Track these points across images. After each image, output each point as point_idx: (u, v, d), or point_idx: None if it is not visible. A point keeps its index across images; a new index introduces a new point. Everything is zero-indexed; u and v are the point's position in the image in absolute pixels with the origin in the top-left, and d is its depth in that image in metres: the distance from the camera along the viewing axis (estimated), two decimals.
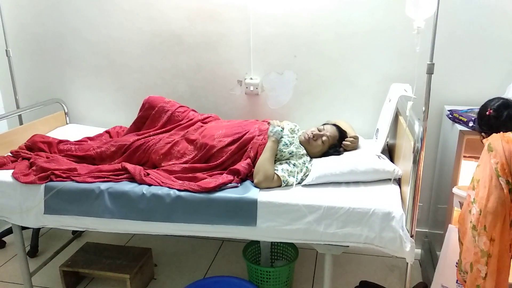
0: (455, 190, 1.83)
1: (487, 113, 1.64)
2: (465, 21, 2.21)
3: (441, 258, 1.86)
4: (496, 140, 1.48)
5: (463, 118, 1.98)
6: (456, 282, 1.84)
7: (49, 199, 1.87)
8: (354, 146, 2.09)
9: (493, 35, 2.20)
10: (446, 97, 2.31)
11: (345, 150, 2.07)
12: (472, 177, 1.56)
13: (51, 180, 1.90)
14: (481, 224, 1.46)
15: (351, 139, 2.09)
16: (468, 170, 1.90)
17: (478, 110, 2.05)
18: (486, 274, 1.46)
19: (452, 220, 2.05)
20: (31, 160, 2.05)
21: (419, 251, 2.49)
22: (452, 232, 1.81)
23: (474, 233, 1.49)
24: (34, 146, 2.21)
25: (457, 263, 1.66)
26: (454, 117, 2.04)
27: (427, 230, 2.53)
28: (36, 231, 2.62)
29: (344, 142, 2.08)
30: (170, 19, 2.52)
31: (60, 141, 2.26)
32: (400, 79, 2.24)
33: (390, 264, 2.45)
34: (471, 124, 1.92)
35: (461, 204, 1.68)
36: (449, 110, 2.12)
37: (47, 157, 2.09)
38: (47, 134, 2.42)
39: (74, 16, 2.65)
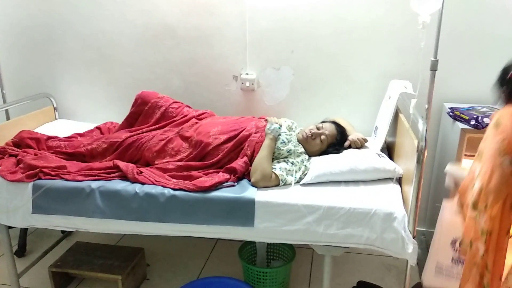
0: (448, 168, 1.73)
1: (509, 76, 1.42)
2: (466, 17, 2.17)
3: (435, 235, 1.79)
4: (505, 114, 1.34)
5: (464, 116, 1.94)
6: (451, 261, 1.77)
7: (37, 198, 1.80)
8: (360, 146, 2.03)
9: (494, 32, 2.17)
10: (445, 94, 2.27)
11: (350, 147, 2.02)
12: (478, 149, 1.44)
13: (40, 178, 1.83)
14: (482, 202, 1.38)
15: (362, 140, 2.03)
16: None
17: (479, 108, 2.03)
18: (484, 252, 1.41)
19: None
20: (18, 157, 1.98)
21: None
22: (445, 209, 1.73)
23: (474, 211, 1.42)
24: (22, 142, 2.12)
25: (454, 241, 1.61)
26: (455, 115, 2.01)
27: (424, 229, 2.50)
28: (24, 230, 2.53)
29: (353, 138, 2.02)
30: (163, 11, 2.45)
31: (49, 137, 2.18)
32: (399, 76, 2.20)
33: (388, 264, 2.42)
34: (472, 122, 1.89)
35: (455, 183, 1.60)
36: (449, 108, 2.09)
37: (35, 154, 2.02)
38: (35, 130, 2.34)
39: (64, 7, 2.56)
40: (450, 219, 1.62)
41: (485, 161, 1.36)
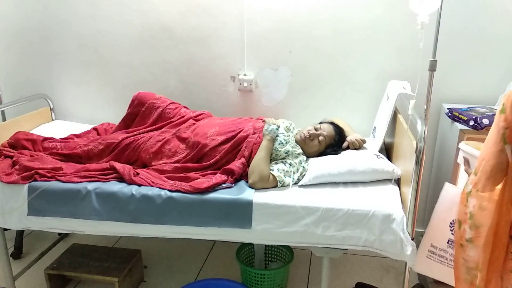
0: (462, 145, 1.67)
1: None
2: (465, 17, 2.16)
3: (433, 217, 1.76)
4: (509, 101, 1.27)
5: (463, 117, 1.93)
6: (447, 243, 1.75)
7: (33, 200, 1.79)
8: (358, 147, 2.02)
9: (493, 32, 2.16)
10: (444, 95, 2.27)
11: (348, 148, 2.01)
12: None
13: (35, 180, 1.81)
14: (475, 186, 1.36)
15: (360, 141, 2.01)
16: None
17: (478, 108, 2.01)
18: (469, 239, 1.37)
19: None
20: (14, 159, 1.96)
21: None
22: (446, 191, 1.71)
23: (468, 194, 1.39)
24: (18, 143, 2.11)
25: (453, 222, 1.59)
26: (454, 115, 2.00)
27: (423, 230, 2.48)
28: (20, 232, 2.52)
29: (351, 139, 2.01)
30: (161, 12, 2.43)
31: (45, 139, 2.17)
32: (398, 76, 2.19)
33: (386, 265, 2.41)
34: (471, 123, 1.88)
35: (465, 160, 1.57)
36: (448, 109, 2.08)
37: (31, 156, 2.00)
38: (32, 131, 2.33)
39: (61, 7, 2.54)
40: (453, 199, 1.57)
41: (486, 144, 1.32)
